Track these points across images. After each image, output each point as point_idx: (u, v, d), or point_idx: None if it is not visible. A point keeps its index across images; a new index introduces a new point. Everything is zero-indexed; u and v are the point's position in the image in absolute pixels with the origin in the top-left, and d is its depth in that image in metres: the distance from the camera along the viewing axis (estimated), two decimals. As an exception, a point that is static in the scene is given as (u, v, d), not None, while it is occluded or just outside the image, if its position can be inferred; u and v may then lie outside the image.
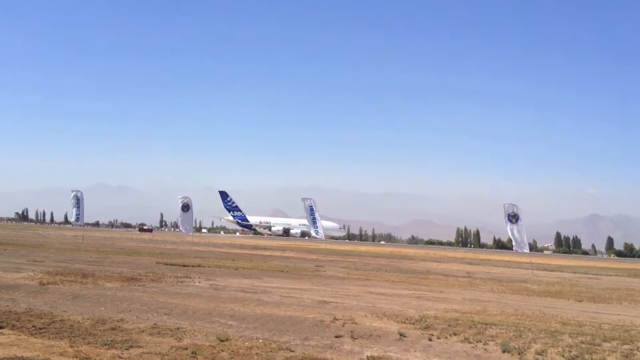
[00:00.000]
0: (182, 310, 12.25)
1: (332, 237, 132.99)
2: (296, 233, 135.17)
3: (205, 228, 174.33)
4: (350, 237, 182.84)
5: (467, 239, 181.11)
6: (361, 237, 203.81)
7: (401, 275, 26.33)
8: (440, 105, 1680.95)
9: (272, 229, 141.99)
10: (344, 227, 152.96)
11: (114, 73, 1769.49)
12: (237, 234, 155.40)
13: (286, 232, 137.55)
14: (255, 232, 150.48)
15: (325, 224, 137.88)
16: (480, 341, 10.18)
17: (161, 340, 9.28)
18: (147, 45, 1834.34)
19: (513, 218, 31.12)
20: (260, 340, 9.60)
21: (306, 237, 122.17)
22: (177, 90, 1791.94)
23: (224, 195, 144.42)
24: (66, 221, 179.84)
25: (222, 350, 8.71)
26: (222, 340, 9.38)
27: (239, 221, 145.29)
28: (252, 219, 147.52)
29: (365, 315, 12.58)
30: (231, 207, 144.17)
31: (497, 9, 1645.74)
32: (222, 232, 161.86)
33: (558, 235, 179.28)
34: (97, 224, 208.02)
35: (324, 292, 17.09)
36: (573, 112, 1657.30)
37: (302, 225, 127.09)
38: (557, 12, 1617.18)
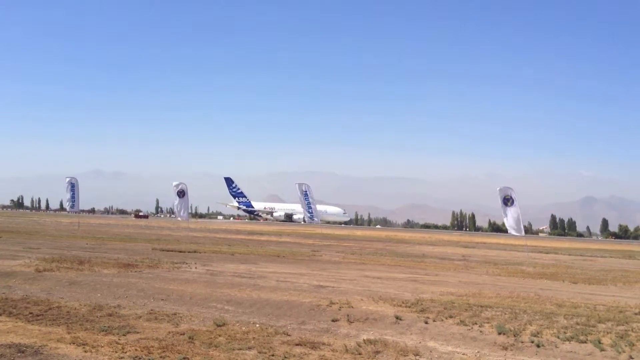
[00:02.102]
0: (178, 295, 12.28)
1: (337, 222, 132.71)
2: (299, 218, 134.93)
3: (221, 215, 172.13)
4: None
5: (462, 223, 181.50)
6: (357, 222, 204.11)
7: (397, 259, 26.42)
8: (434, 88, 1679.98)
9: (274, 214, 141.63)
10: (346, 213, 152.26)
11: (107, 60, 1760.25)
12: (231, 219, 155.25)
13: (289, 218, 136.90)
14: (251, 218, 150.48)
15: (330, 209, 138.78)
16: (476, 323, 10.23)
17: (158, 326, 9.30)
18: (142, 33, 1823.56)
19: (508, 201, 31.14)
20: (257, 325, 9.63)
21: (302, 222, 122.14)
22: (171, 78, 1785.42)
23: (229, 181, 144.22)
24: (62, 208, 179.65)
25: (219, 335, 8.74)
26: (219, 325, 9.41)
27: (245, 207, 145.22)
28: (257, 205, 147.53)
29: (362, 299, 12.63)
30: (236, 193, 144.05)
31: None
32: (231, 218, 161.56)
33: (553, 217, 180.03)
34: (92, 211, 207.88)
35: (320, 277, 17.14)
36: (566, 94, 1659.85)
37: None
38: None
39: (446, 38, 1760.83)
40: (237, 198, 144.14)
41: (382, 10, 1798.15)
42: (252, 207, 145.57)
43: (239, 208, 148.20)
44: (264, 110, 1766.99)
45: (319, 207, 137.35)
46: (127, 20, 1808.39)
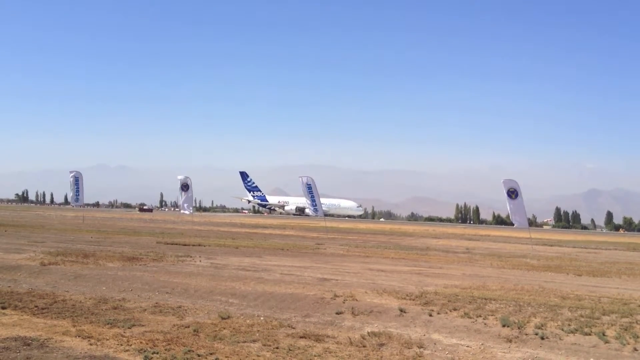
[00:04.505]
0: (183, 289, 12.31)
1: (351, 216, 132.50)
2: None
3: (245, 209, 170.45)
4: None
5: (466, 215, 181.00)
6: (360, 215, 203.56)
7: (401, 252, 26.41)
8: (438, 81, 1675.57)
9: (285, 207, 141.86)
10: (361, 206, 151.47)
11: (112, 53, 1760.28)
12: (246, 211, 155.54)
13: (301, 211, 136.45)
14: (255, 211, 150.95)
15: (344, 203, 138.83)
16: (480, 316, 10.24)
17: (163, 319, 9.34)
18: (147, 27, 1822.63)
19: (512, 194, 31.07)
20: (262, 318, 9.66)
21: (306, 215, 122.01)
22: (175, 71, 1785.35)
23: (244, 175, 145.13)
24: (66, 202, 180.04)
25: (224, 328, 8.77)
26: (223, 318, 9.44)
27: (259, 201, 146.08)
28: (271, 199, 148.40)
29: (366, 292, 12.63)
30: (251, 188, 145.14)
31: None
32: (245, 211, 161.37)
33: (557, 210, 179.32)
34: (97, 205, 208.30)
35: (324, 270, 17.15)
36: (570, 87, 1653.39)
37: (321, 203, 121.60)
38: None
39: (450, 31, 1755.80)
40: (251, 192, 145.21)
41: (386, 3, 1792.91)
42: (267, 201, 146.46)
43: (249, 202, 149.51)
44: (267, 104, 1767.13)
45: (333, 201, 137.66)
46: (131, 15, 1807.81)
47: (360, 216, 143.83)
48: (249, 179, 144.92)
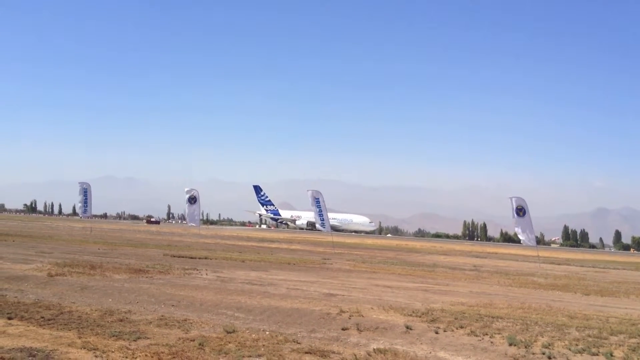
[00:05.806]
0: (189, 302, 12.31)
1: (363, 232, 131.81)
2: None
3: (265, 224, 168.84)
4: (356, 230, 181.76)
5: (474, 232, 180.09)
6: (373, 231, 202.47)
7: (408, 268, 26.32)
8: (446, 97, 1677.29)
9: (297, 222, 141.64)
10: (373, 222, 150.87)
11: (121, 65, 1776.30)
12: (258, 225, 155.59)
13: (312, 226, 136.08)
14: (262, 222, 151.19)
15: (356, 219, 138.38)
16: (486, 334, 10.17)
17: (168, 332, 9.34)
18: (153, 39, 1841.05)
19: (520, 211, 30.96)
20: (267, 332, 9.64)
21: (313, 230, 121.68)
22: (183, 83, 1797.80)
23: (257, 189, 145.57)
24: (74, 213, 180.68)
25: (229, 342, 8.76)
26: (229, 332, 9.42)
27: (272, 215, 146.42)
28: (284, 214, 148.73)
29: (372, 308, 12.59)
30: (264, 202, 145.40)
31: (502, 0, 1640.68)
32: (263, 226, 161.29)
33: (565, 228, 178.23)
34: (105, 216, 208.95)
35: (331, 285, 17.11)
36: (579, 105, 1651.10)
37: (333, 219, 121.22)
38: (562, 4, 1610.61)
39: (456, 45, 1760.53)
40: (265, 206, 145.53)
41: (388, 15, 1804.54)
42: (279, 215, 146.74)
43: (261, 216, 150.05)
44: (274, 117, 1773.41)
45: (346, 216, 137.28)
46: (135, 26, 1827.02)
47: (372, 232, 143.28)
48: (262, 193, 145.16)
